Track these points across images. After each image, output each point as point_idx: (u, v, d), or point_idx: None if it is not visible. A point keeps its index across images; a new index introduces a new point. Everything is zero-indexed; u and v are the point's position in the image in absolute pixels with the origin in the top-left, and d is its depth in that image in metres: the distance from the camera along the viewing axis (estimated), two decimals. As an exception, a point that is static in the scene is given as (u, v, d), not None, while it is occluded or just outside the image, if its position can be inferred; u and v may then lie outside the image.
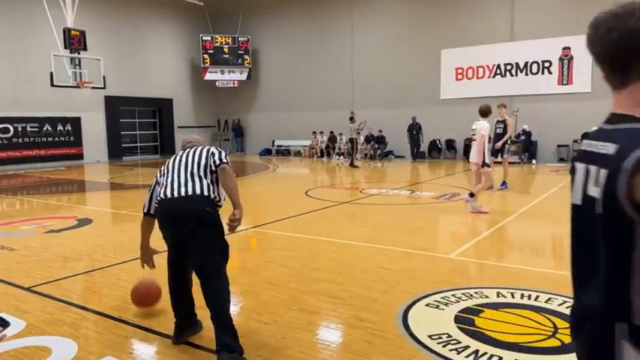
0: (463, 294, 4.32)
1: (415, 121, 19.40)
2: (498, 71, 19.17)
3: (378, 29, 21.56)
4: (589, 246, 1.25)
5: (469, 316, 3.83)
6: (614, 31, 1.24)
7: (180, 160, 3.35)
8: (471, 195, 8.19)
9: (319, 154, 22.12)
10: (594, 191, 1.21)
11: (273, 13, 24.51)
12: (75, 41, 16.31)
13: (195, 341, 3.46)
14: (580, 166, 1.30)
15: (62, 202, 10.61)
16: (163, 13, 24.13)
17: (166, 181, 3.27)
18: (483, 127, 8.36)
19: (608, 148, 1.19)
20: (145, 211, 3.49)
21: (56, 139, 20.16)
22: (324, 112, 22.90)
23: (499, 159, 10.80)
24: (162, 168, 3.43)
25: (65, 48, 16.40)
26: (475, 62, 19.54)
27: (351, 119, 17.88)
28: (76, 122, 20.67)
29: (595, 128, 1.37)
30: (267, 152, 25.04)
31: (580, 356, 1.36)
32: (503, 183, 10.96)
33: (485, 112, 8.48)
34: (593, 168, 1.23)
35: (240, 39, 24.92)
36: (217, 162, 3.27)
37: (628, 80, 1.22)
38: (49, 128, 19.91)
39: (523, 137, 17.66)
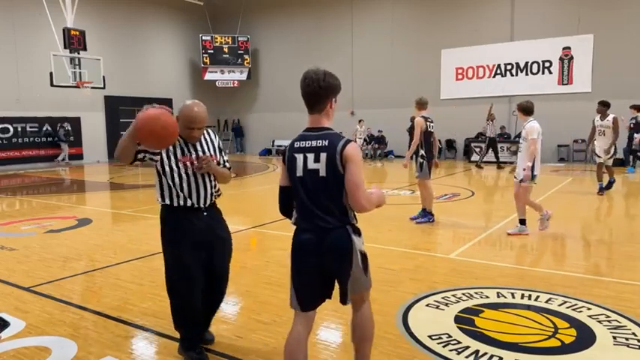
0: (463, 294, 4.32)
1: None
2: (498, 71, 19.17)
3: (378, 29, 21.56)
4: None
5: (469, 316, 3.83)
6: None
7: None
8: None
9: (319, 154, 22.10)
10: None
11: (273, 13, 24.50)
12: (75, 41, 16.29)
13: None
14: None
15: (62, 202, 10.61)
16: (163, 13, 24.13)
17: None
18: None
19: None
20: None
21: (56, 139, 20.13)
22: (324, 112, 22.87)
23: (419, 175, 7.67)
24: None
25: (65, 48, 16.39)
26: (475, 62, 19.54)
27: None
28: (75, 122, 20.66)
29: None
30: (267, 152, 25.04)
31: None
32: (425, 214, 7.51)
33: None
34: None
35: (240, 39, 24.91)
36: None
37: None
38: (49, 128, 19.90)
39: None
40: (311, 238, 2.51)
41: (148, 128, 2.79)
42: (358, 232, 2.61)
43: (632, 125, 13.82)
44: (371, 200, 2.52)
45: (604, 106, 9.68)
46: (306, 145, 2.50)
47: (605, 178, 10.05)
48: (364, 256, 2.61)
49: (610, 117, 9.61)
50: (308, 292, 2.58)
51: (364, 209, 2.47)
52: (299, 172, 2.50)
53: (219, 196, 3.31)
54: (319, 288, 2.60)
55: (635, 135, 13.63)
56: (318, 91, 2.52)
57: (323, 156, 2.44)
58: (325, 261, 2.52)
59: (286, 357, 2.58)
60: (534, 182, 6.38)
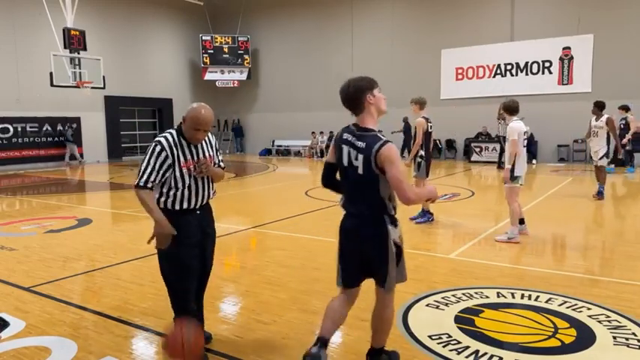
0: (463, 294, 4.32)
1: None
2: (498, 71, 19.16)
3: (378, 29, 21.55)
4: None
5: (469, 316, 3.83)
6: None
7: None
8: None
9: (319, 154, 22.12)
10: None
11: (273, 13, 24.49)
12: (75, 41, 16.29)
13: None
14: None
15: (62, 202, 10.61)
16: (163, 13, 24.12)
17: None
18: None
19: None
20: None
21: (56, 139, 20.14)
22: (324, 112, 22.87)
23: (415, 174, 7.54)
24: None
25: (65, 48, 16.38)
26: (475, 62, 19.52)
27: None
28: (75, 122, 20.65)
29: None
30: (267, 152, 25.03)
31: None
32: (424, 214, 7.50)
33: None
34: None
35: (240, 39, 24.91)
36: None
37: None
38: (49, 128, 19.89)
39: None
40: (353, 225, 2.85)
41: None
42: (394, 223, 2.85)
43: (621, 126, 13.80)
44: (419, 193, 2.82)
45: (598, 107, 9.52)
46: (350, 141, 2.81)
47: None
48: (398, 247, 2.84)
49: (603, 117, 9.41)
50: (351, 272, 2.93)
51: (411, 201, 2.72)
52: (345, 162, 2.84)
53: (214, 196, 3.38)
54: (361, 269, 2.91)
55: (626, 135, 13.62)
56: (346, 97, 2.83)
57: (360, 157, 2.74)
58: (364, 247, 2.83)
59: (325, 320, 2.94)
60: (518, 183, 6.24)
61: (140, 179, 3.02)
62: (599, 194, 9.52)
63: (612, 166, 14.36)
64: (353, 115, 2.89)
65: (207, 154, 3.20)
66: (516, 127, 6.13)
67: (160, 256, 3.24)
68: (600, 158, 9.50)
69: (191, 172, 3.11)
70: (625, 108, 13.25)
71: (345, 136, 2.84)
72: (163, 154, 3.02)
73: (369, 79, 2.85)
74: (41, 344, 3.47)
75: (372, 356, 3.06)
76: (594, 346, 3.34)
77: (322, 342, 2.90)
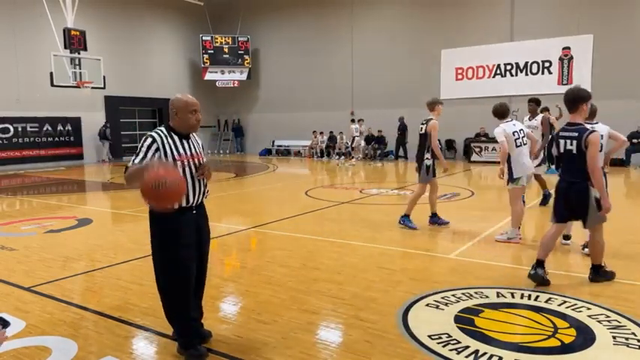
0: (463, 294, 4.32)
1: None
2: (498, 71, 19.16)
3: (378, 29, 21.55)
4: None
5: (469, 316, 3.83)
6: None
7: None
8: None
9: (319, 154, 22.12)
10: None
11: (273, 13, 24.50)
12: (75, 41, 16.29)
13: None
14: None
15: (62, 202, 10.61)
16: (163, 13, 24.12)
17: None
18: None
19: None
20: None
21: (56, 139, 20.15)
22: (324, 112, 22.88)
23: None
24: None
25: (65, 48, 16.38)
26: (475, 62, 19.53)
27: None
28: (76, 122, 20.66)
29: None
30: (267, 152, 25.03)
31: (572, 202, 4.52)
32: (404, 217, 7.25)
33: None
34: None
35: (240, 39, 24.91)
36: None
37: None
38: (49, 128, 19.90)
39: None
40: (566, 186, 4.46)
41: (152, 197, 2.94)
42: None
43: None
44: (600, 169, 4.35)
45: (537, 104, 8.78)
46: (566, 135, 4.43)
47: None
48: (597, 200, 4.33)
49: (539, 117, 8.73)
50: (562, 215, 4.58)
51: (595, 173, 4.28)
52: (561, 150, 4.48)
53: (207, 195, 3.42)
54: (569, 213, 4.56)
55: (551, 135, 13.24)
56: (569, 99, 4.42)
57: (574, 142, 4.35)
58: (573, 200, 4.43)
59: (540, 247, 4.61)
60: (519, 184, 6.20)
61: (130, 163, 3.08)
62: (544, 200, 8.69)
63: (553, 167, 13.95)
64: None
65: (197, 150, 3.28)
66: (500, 130, 6.13)
67: (157, 262, 3.25)
68: (538, 166, 8.44)
69: (185, 167, 3.15)
70: (547, 109, 12.81)
71: (561, 133, 4.47)
72: (154, 146, 3.10)
73: (588, 92, 4.43)
74: (41, 344, 3.47)
75: (594, 269, 4.64)
76: (594, 346, 3.34)
77: (538, 263, 4.52)
